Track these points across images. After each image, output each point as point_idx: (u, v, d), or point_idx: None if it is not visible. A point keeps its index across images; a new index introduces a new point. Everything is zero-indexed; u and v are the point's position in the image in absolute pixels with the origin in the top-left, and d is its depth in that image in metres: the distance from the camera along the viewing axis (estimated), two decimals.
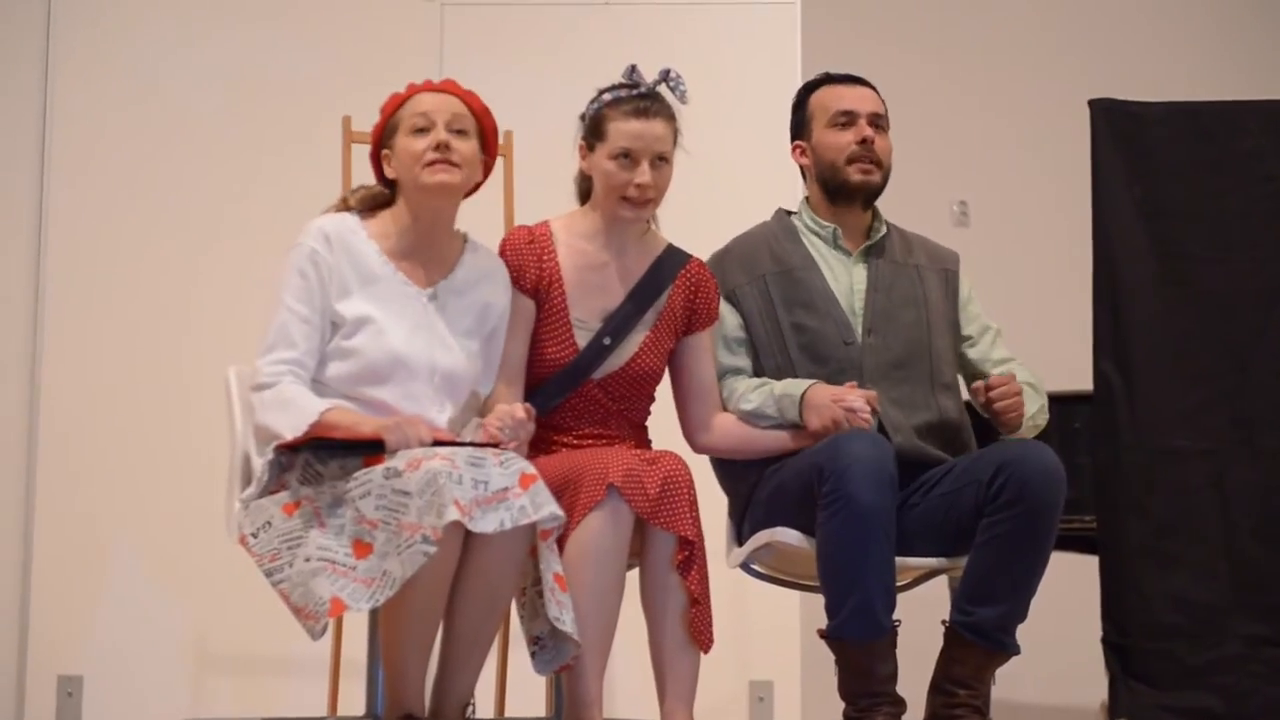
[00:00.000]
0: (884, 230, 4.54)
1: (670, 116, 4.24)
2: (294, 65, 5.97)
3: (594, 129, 4.26)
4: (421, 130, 4.09)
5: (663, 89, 4.28)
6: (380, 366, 4.01)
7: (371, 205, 4.19)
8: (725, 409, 4.41)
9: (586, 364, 4.27)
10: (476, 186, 4.22)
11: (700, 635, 4.01)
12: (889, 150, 4.52)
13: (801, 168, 4.60)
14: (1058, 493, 4.10)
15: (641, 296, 4.31)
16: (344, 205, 4.20)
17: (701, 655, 4.05)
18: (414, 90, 4.16)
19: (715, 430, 4.39)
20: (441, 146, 4.06)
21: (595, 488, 3.94)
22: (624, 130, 4.21)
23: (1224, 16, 7.59)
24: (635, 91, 4.24)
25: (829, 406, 4.23)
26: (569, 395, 4.28)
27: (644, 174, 4.20)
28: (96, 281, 5.76)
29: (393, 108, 4.15)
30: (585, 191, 4.36)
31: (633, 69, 4.27)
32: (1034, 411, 4.50)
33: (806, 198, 4.60)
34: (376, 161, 4.19)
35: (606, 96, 4.26)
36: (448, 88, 4.17)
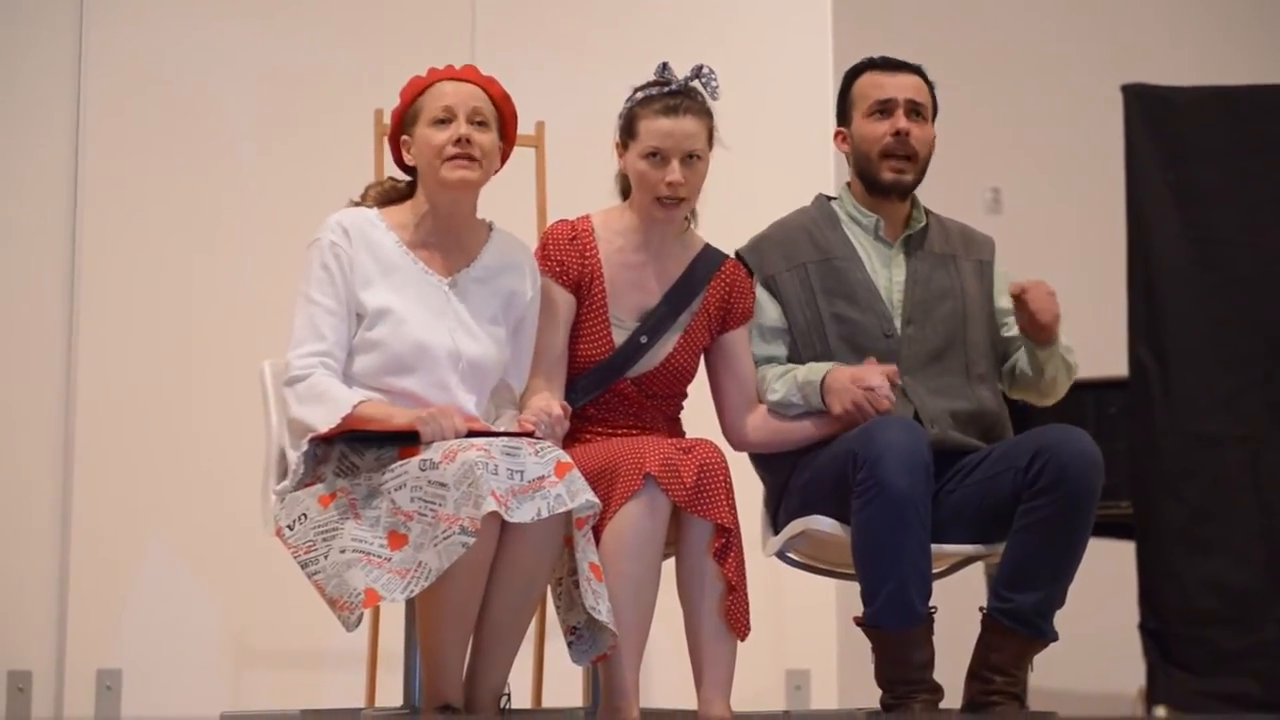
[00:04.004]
0: (924, 221, 4.51)
1: (703, 113, 4.22)
2: (325, 58, 5.97)
3: (627, 128, 4.24)
4: (442, 122, 4.08)
5: (695, 84, 4.25)
6: (404, 356, 4.01)
7: (387, 200, 4.19)
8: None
9: (622, 361, 4.27)
10: (493, 172, 4.21)
11: (737, 623, 4.01)
12: (928, 140, 4.44)
13: (846, 155, 4.56)
14: (1096, 478, 4.07)
15: (677, 298, 4.31)
16: (359, 203, 4.19)
17: (738, 643, 4.04)
18: (435, 76, 4.14)
19: (750, 428, 4.37)
20: (463, 141, 4.06)
21: (632, 477, 3.94)
22: (654, 129, 4.19)
23: (1258, 1, 7.56)
24: (666, 89, 4.23)
25: (848, 389, 4.22)
26: (603, 391, 4.28)
27: (674, 172, 4.18)
28: (130, 277, 5.77)
29: (413, 94, 4.14)
30: (625, 189, 4.34)
31: (664, 66, 4.25)
32: (1067, 342, 4.41)
33: (848, 184, 4.56)
34: (396, 147, 4.19)
35: (638, 95, 4.24)
36: (469, 75, 4.15)
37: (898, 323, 4.39)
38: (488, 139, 4.10)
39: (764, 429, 4.37)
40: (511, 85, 4.20)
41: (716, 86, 4.26)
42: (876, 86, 4.47)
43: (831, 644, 5.95)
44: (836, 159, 4.58)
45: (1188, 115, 5.95)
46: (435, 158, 4.06)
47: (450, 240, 4.15)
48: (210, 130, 5.88)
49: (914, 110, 4.44)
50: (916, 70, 4.50)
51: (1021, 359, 4.44)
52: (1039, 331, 4.32)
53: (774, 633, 5.86)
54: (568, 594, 3.93)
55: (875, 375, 4.21)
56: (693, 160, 4.19)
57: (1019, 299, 4.28)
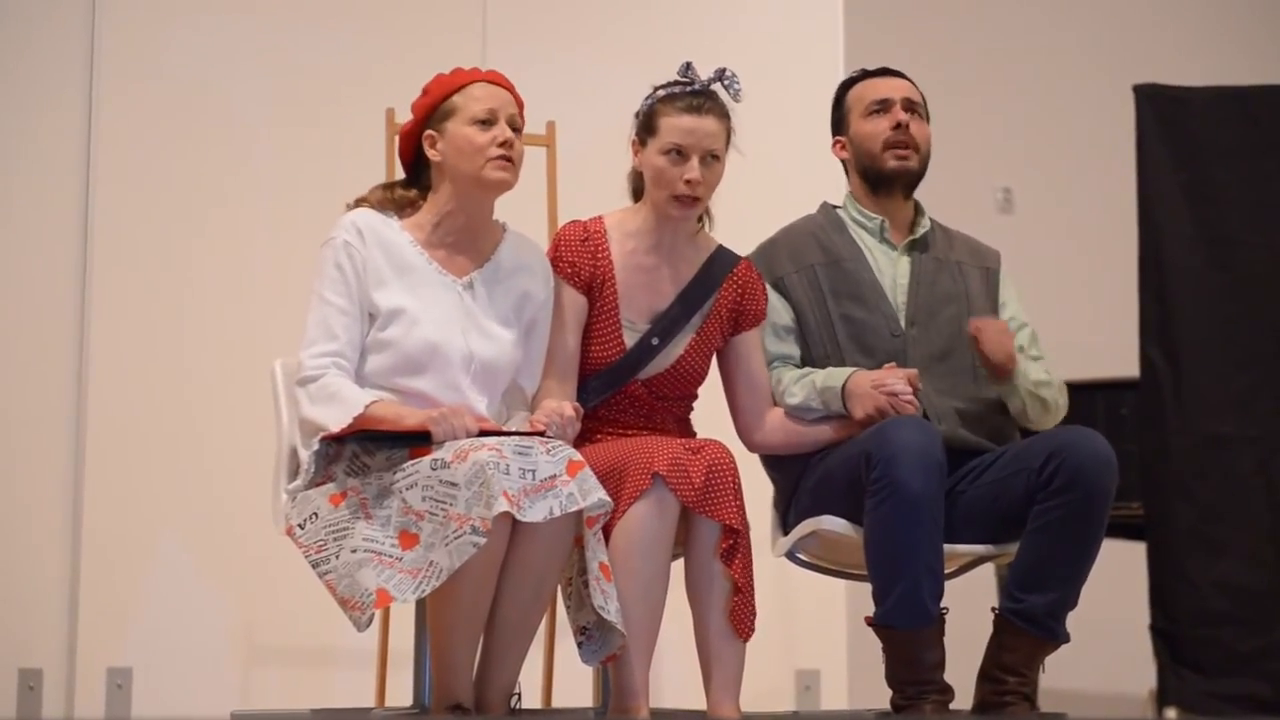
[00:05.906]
0: (928, 225, 4.53)
1: (724, 115, 4.22)
2: (336, 56, 5.97)
3: (646, 124, 4.24)
4: (485, 123, 4.07)
5: (717, 88, 4.25)
6: (416, 357, 4.01)
7: (392, 205, 4.17)
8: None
9: (633, 364, 4.27)
10: None
11: (741, 624, 4.01)
12: (927, 137, 4.49)
13: (843, 163, 4.59)
14: (1110, 479, 4.07)
15: (690, 299, 4.30)
16: (358, 205, 4.16)
17: (747, 643, 4.04)
18: (466, 77, 4.13)
19: (767, 430, 4.37)
20: (508, 144, 4.06)
21: (641, 477, 3.94)
22: (675, 125, 4.19)
23: (1268, 1, 7.56)
24: (689, 88, 4.22)
25: (871, 394, 4.22)
26: (613, 393, 4.27)
27: (693, 170, 4.17)
28: (142, 275, 5.77)
29: (445, 91, 4.11)
30: (637, 189, 4.34)
31: (688, 66, 4.25)
32: (1039, 378, 4.41)
33: (850, 192, 4.58)
34: (413, 140, 4.17)
35: (660, 92, 4.24)
36: (502, 81, 4.15)
37: (903, 322, 4.40)
38: (520, 146, 4.10)
39: (781, 431, 4.37)
40: (523, 85, 4.20)
41: (739, 90, 4.25)
42: (874, 89, 4.54)
43: (841, 644, 5.95)
44: None
45: (1199, 115, 5.95)
46: (477, 156, 4.05)
47: (466, 240, 4.14)
48: (222, 128, 5.88)
49: (910, 108, 4.49)
50: (908, 78, 4.56)
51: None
52: (994, 370, 4.34)
53: (783, 632, 5.85)
54: (578, 594, 3.93)
55: (898, 380, 4.21)
56: (711, 161, 4.19)
57: (974, 338, 4.30)
